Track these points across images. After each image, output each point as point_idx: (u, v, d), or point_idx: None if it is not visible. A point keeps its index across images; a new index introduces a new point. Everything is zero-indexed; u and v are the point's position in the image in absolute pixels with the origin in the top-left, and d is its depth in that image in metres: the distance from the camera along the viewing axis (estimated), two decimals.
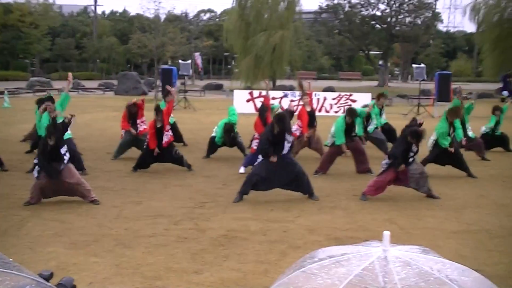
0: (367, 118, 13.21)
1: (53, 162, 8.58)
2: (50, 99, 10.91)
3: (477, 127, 15.11)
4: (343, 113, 12.43)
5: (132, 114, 12.80)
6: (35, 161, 8.75)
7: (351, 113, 11.48)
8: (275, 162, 9.06)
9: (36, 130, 13.49)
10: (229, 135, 12.75)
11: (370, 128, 13.36)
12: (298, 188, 9.34)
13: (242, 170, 11.51)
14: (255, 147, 11.31)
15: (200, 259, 6.34)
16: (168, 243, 6.89)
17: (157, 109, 11.44)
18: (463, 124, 13.20)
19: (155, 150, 11.21)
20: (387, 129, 14.26)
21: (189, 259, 6.32)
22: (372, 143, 13.62)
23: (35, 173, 8.67)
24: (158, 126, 11.22)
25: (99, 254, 6.44)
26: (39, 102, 12.06)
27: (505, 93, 27.49)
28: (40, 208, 8.41)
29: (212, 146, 13.24)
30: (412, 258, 2.41)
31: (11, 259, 2.24)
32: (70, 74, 11.37)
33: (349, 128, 11.40)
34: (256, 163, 9.60)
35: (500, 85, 46.32)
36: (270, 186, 9.24)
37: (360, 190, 9.73)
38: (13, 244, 6.71)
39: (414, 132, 9.11)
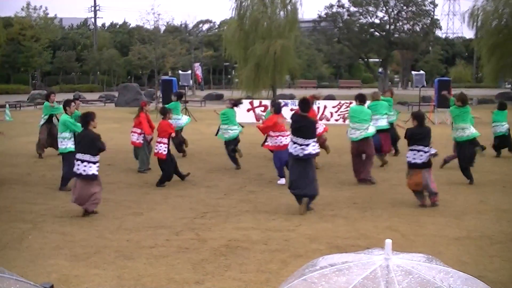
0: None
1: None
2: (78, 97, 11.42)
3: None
4: (343, 121, 12.51)
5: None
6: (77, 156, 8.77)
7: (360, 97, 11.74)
8: (301, 165, 8.92)
9: (45, 136, 13.86)
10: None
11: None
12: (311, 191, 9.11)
13: (282, 181, 11.22)
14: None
15: (201, 269, 6.34)
16: (169, 253, 6.89)
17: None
18: None
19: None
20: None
21: (190, 270, 6.32)
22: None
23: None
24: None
25: (100, 266, 6.45)
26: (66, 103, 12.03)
27: None
28: (41, 221, 8.42)
29: None
30: (414, 266, 2.39)
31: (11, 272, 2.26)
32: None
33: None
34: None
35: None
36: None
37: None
38: (14, 257, 6.72)
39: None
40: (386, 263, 2.40)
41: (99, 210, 8.90)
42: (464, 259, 6.64)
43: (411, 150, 9.34)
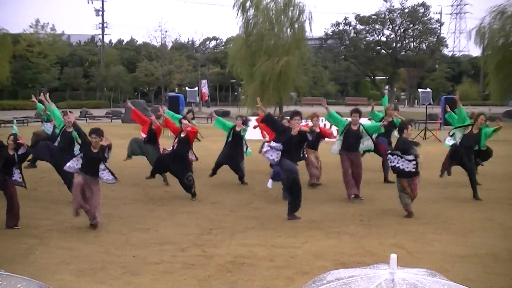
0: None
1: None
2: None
3: None
4: None
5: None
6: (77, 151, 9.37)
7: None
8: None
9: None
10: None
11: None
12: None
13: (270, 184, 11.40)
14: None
15: (207, 285, 6.34)
16: (175, 270, 6.90)
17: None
18: None
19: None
20: None
21: (196, 286, 6.32)
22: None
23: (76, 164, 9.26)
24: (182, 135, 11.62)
25: (106, 281, 6.46)
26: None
27: None
28: (48, 236, 8.45)
29: None
30: (418, 280, 2.41)
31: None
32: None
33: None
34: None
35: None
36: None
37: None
38: (20, 272, 6.66)
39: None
40: (391, 277, 2.42)
41: (105, 226, 8.92)
42: (470, 276, 6.61)
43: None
